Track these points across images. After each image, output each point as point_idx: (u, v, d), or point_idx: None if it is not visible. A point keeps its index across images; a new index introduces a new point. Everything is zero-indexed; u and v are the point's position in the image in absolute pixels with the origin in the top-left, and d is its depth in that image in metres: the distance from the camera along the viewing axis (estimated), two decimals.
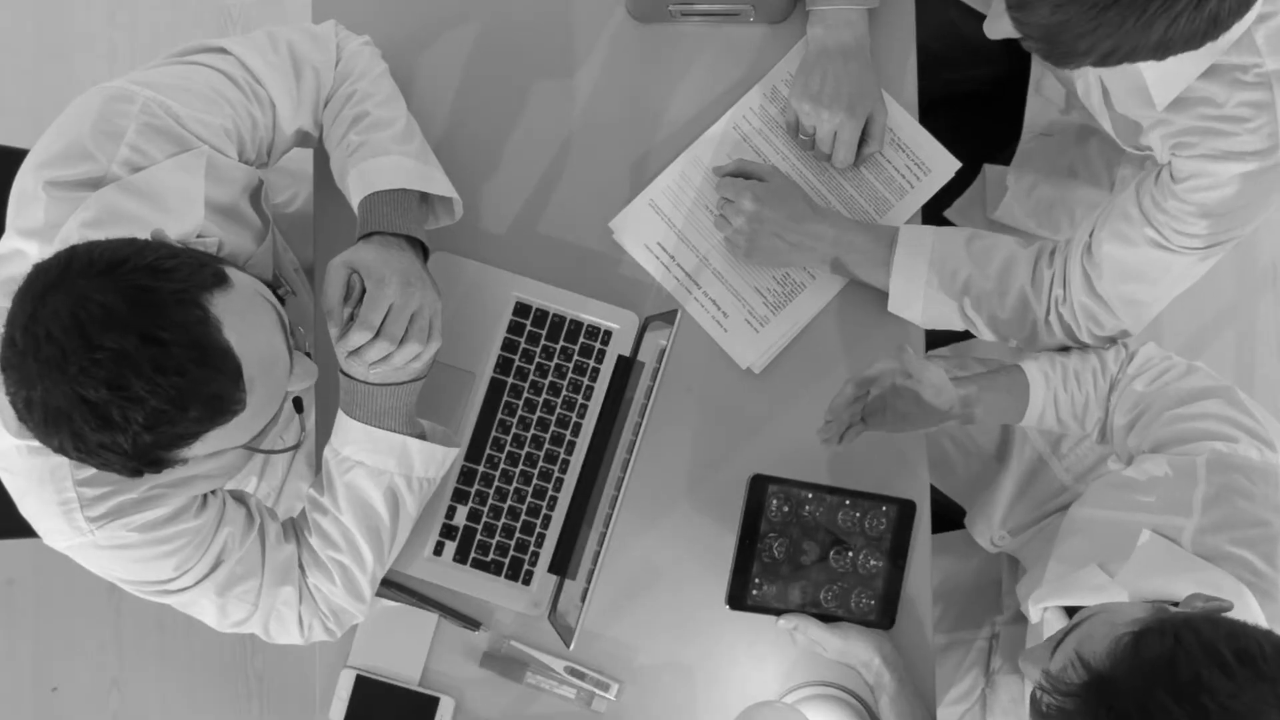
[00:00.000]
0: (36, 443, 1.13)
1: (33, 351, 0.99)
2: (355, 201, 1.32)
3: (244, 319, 1.06)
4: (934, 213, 1.72)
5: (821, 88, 1.46)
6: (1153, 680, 0.95)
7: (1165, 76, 1.21)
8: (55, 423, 1.01)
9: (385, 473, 1.31)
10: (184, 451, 1.06)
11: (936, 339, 1.80)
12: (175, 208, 1.18)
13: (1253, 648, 0.95)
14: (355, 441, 1.30)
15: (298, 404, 1.41)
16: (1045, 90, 1.71)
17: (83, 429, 1.00)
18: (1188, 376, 1.33)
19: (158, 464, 1.06)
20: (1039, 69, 1.71)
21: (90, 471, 1.16)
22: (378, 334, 1.22)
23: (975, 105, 1.76)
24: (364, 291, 1.22)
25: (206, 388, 1.02)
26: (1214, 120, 1.22)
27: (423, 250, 1.32)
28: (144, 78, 1.23)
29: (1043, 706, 1.01)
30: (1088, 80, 1.40)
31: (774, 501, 1.45)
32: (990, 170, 1.73)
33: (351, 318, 1.22)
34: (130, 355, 0.98)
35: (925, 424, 1.38)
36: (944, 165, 1.53)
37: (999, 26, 1.12)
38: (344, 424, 1.31)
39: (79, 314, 0.99)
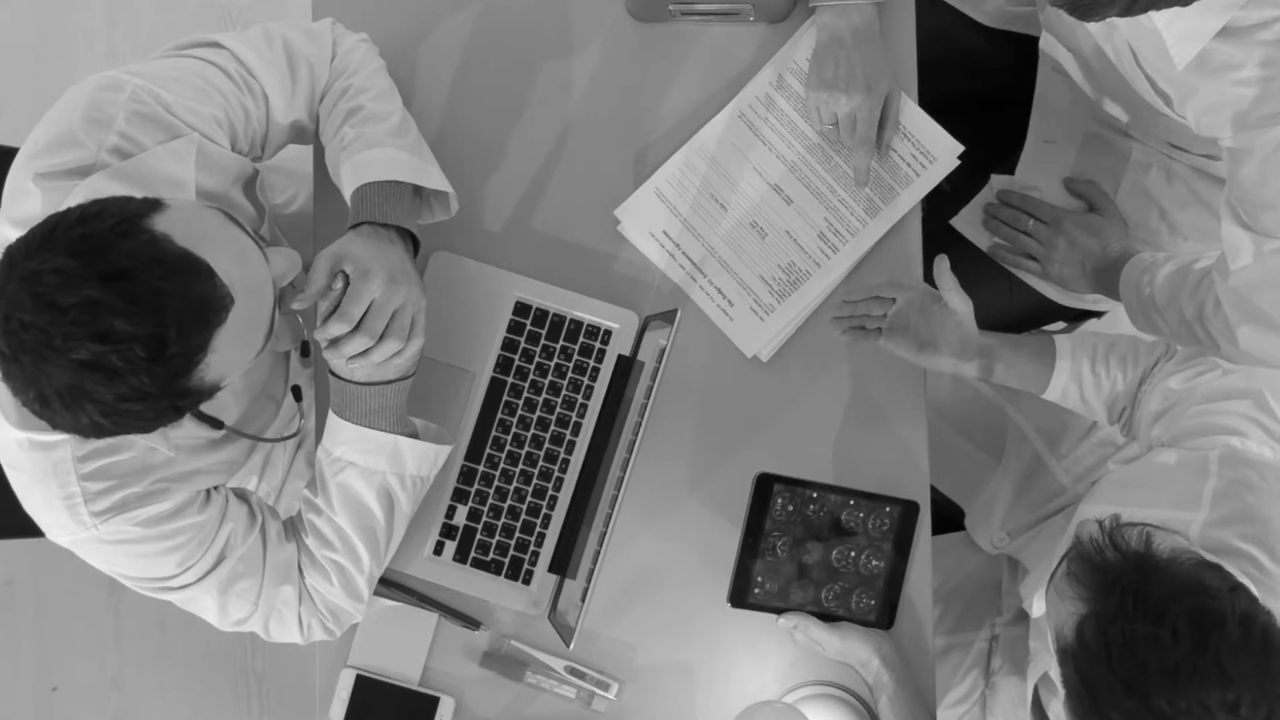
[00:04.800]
0: (40, 436, 1.14)
1: (19, 348, 0.99)
2: (348, 194, 1.32)
3: (191, 225, 1.05)
4: (940, 222, 1.73)
5: (836, 74, 1.46)
6: (1189, 593, 1.00)
7: (1183, 34, 1.21)
8: (74, 401, 1.00)
9: (378, 472, 1.31)
10: (205, 371, 1.04)
11: None
12: (165, 194, 1.18)
13: (1278, 640, 0.99)
14: (347, 442, 1.30)
15: (296, 392, 1.41)
16: (1050, 96, 1.71)
17: (98, 392, 0.99)
18: (1223, 377, 1.33)
19: (189, 394, 1.04)
20: (1045, 72, 1.71)
21: (94, 465, 1.16)
22: (357, 328, 1.22)
23: (978, 113, 1.76)
24: (348, 283, 1.22)
25: (186, 294, 1.01)
26: (1239, 85, 1.21)
27: (413, 243, 1.32)
28: (136, 69, 1.23)
29: (1088, 544, 1.06)
30: (1116, 45, 1.40)
31: (779, 500, 1.45)
32: (996, 180, 1.73)
33: (335, 309, 1.22)
34: (99, 301, 0.98)
35: (940, 358, 1.41)
36: (947, 151, 1.53)
37: None
38: (335, 425, 1.30)
39: (37, 290, 0.98)
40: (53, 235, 1.01)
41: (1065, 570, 1.06)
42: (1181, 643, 0.96)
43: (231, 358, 1.07)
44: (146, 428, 1.05)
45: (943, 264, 1.41)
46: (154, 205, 1.05)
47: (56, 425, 1.03)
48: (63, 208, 1.12)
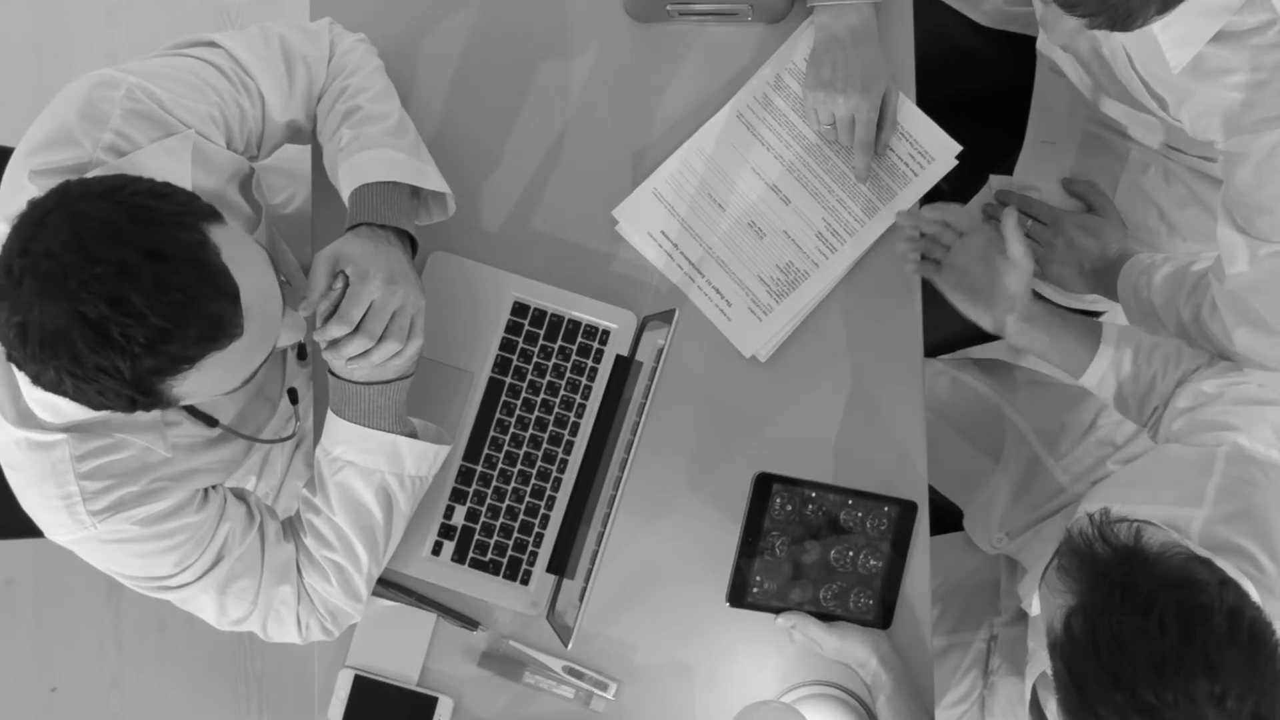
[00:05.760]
0: (38, 436, 1.14)
1: (31, 272, 0.98)
2: (346, 194, 1.32)
3: (240, 250, 1.06)
4: None
5: (834, 75, 1.47)
6: (1177, 586, 1.00)
7: (1178, 38, 1.21)
8: (52, 346, 0.98)
9: (376, 472, 1.31)
10: (180, 383, 1.04)
11: (938, 345, 1.80)
12: None
13: (1269, 640, 1.00)
14: (345, 441, 1.30)
15: (293, 395, 1.41)
16: (1048, 97, 1.71)
17: (81, 350, 0.98)
18: (1259, 390, 1.32)
19: (153, 396, 1.04)
20: (1043, 72, 1.71)
21: (92, 464, 1.16)
22: (357, 329, 1.22)
23: (976, 114, 1.76)
24: (347, 285, 1.22)
25: (207, 306, 1.02)
26: (1234, 89, 1.21)
27: (412, 244, 1.32)
28: (131, 67, 1.23)
29: (1077, 537, 1.06)
30: (1112, 47, 1.41)
31: (778, 500, 1.45)
32: (994, 180, 1.73)
33: (334, 311, 1.22)
34: (132, 269, 0.98)
35: (985, 312, 1.42)
36: (945, 151, 1.53)
37: (1060, 30, 1.14)
38: (334, 424, 1.31)
39: (79, 231, 0.98)
40: (118, 193, 1.01)
41: (1056, 564, 1.07)
42: (1168, 635, 0.96)
43: (206, 384, 1.07)
44: (96, 405, 1.04)
45: (1011, 214, 1.40)
46: (216, 215, 1.06)
47: (19, 364, 1.02)
48: None
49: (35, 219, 1.01)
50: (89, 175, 1.15)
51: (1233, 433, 1.24)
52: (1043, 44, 1.66)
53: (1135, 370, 1.40)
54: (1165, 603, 0.98)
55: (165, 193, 1.04)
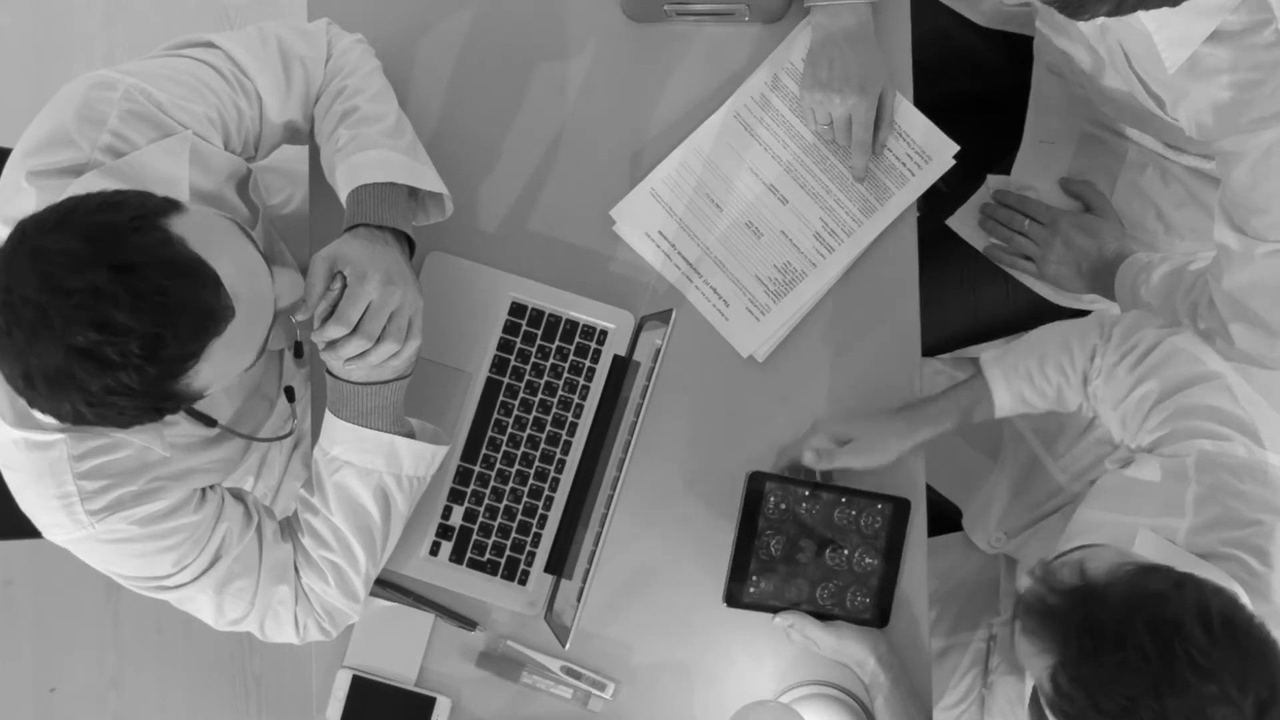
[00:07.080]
0: (36, 436, 1.14)
1: (14, 322, 0.98)
2: (343, 195, 1.32)
3: (207, 233, 1.05)
4: (936, 223, 1.73)
5: (830, 74, 1.47)
6: (1138, 608, 0.99)
7: (1174, 38, 1.21)
8: (59, 385, 0.99)
9: (374, 472, 1.31)
10: (194, 377, 1.04)
11: (936, 345, 1.80)
12: (158, 192, 1.18)
13: (1242, 622, 0.99)
14: (343, 441, 1.30)
15: (289, 393, 1.42)
16: (1045, 97, 1.71)
17: (86, 381, 0.99)
18: (1174, 361, 1.30)
19: (174, 398, 1.04)
20: (1040, 72, 1.71)
21: (90, 464, 1.16)
22: (355, 330, 1.22)
23: (974, 114, 1.77)
24: (345, 285, 1.22)
25: (190, 300, 1.01)
26: (1229, 89, 1.21)
27: (409, 244, 1.32)
28: (128, 67, 1.23)
29: (1028, 597, 1.05)
30: (1110, 45, 1.41)
31: (772, 499, 1.45)
32: (993, 180, 1.73)
33: (332, 312, 1.22)
34: (104, 289, 0.98)
35: (892, 442, 1.42)
36: (943, 151, 1.53)
37: None
38: (332, 424, 1.31)
39: (43, 268, 0.98)
40: (69, 217, 1.01)
41: (1020, 629, 1.06)
42: (1150, 660, 0.96)
43: (221, 369, 1.07)
44: (125, 423, 1.05)
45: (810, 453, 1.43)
46: (173, 206, 1.05)
47: (36, 406, 1.03)
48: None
49: (0, 268, 1.00)
50: (85, 176, 1.15)
51: (1197, 440, 1.24)
52: (1040, 44, 1.66)
53: (1039, 390, 1.39)
54: (1134, 628, 0.98)
55: (116, 202, 1.03)
